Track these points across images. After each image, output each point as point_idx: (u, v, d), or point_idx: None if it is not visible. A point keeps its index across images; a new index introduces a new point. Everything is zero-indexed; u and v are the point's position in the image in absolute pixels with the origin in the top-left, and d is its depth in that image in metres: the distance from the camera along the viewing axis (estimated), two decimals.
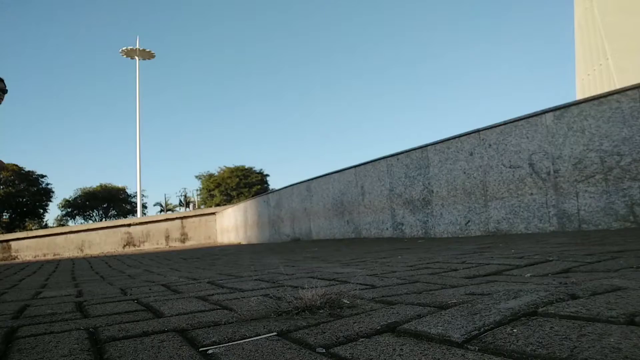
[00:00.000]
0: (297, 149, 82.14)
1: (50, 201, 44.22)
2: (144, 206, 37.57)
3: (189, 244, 16.01)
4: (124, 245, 15.98)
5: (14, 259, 15.16)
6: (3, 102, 5.35)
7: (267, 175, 45.53)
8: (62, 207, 47.20)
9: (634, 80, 4.74)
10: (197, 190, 50.96)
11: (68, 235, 15.70)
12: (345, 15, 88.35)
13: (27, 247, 15.23)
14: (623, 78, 15.82)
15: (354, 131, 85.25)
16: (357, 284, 1.60)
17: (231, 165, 44.24)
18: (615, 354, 0.62)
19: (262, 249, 6.03)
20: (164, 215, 18.68)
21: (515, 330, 0.78)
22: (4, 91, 5.56)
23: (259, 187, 42.12)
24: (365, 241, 5.93)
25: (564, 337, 0.72)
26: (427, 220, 5.64)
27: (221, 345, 0.84)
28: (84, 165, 78.13)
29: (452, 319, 0.90)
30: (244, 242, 12.48)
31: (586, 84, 20.98)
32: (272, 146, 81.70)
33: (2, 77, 5.36)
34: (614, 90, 3.89)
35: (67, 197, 46.52)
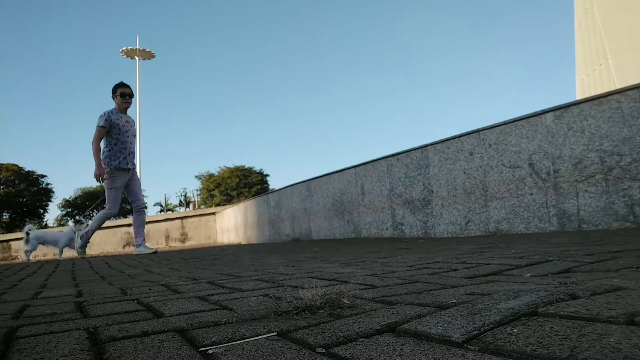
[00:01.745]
0: (297, 149, 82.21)
1: (51, 201, 44.31)
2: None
3: (188, 244, 16.01)
4: (124, 245, 15.99)
5: (14, 259, 15.16)
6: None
7: (267, 175, 45.58)
8: (62, 207, 47.26)
9: (634, 80, 4.74)
10: (197, 190, 51.03)
11: None
12: (346, 15, 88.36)
13: None
14: (623, 78, 15.83)
15: (354, 131, 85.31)
16: (357, 284, 1.60)
17: (231, 165, 44.32)
18: (615, 354, 0.62)
19: (262, 249, 6.03)
20: (163, 215, 18.68)
21: (515, 330, 0.78)
22: (131, 95, 5.78)
23: (259, 187, 42.15)
24: (365, 241, 5.92)
25: (564, 337, 0.72)
26: (427, 220, 5.64)
27: (221, 345, 0.84)
28: (84, 165, 78.23)
29: (452, 319, 0.90)
30: (244, 242, 12.48)
31: (586, 84, 20.98)
32: (272, 146, 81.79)
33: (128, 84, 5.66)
34: (614, 90, 3.89)
35: (67, 197, 46.58)
